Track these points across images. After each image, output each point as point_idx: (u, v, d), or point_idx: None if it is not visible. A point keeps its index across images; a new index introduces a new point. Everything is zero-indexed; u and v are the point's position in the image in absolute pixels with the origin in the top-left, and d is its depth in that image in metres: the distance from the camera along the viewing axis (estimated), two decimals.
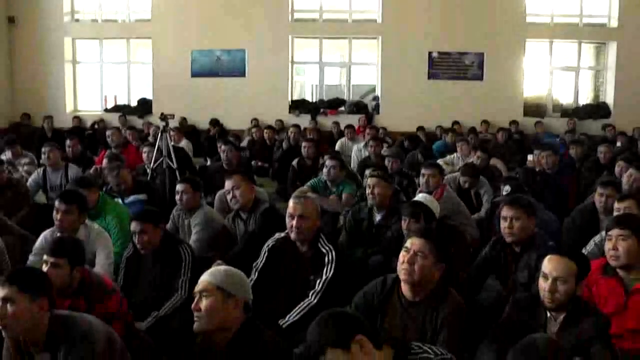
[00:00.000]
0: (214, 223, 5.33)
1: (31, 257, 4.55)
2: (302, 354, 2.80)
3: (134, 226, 4.21)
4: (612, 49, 14.56)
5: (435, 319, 3.02)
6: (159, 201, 6.24)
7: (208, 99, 14.57)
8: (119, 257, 4.56)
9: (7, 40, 14.97)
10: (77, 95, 15.78)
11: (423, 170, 6.16)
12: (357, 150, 9.80)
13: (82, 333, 2.71)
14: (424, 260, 3.03)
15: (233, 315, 2.71)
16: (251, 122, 13.63)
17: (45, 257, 3.37)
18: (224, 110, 14.36)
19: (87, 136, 13.23)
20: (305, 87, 18.01)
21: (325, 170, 6.77)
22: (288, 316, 3.79)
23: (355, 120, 13.62)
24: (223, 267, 2.94)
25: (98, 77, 15.84)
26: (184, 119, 13.97)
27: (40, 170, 7.25)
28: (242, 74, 14.81)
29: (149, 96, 15.23)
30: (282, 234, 4.17)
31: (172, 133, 8.76)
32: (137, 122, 14.50)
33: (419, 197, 5.00)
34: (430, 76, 14.56)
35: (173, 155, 7.71)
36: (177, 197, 5.37)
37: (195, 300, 2.73)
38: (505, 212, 4.08)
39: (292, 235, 4.04)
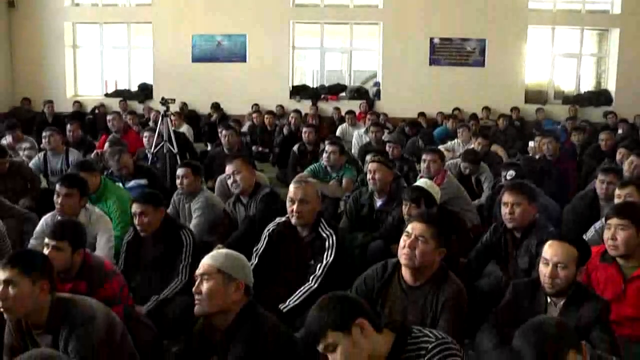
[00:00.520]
0: (214, 207, 5.34)
1: (32, 241, 4.56)
2: (303, 337, 2.81)
3: (134, 208, 4.21)
4: (614, 36, 14.49)
5: (435, 303, 3.03)
6: (160, 186, 6.24)
7: (209, 84, 14.54)
8: (119, 241, 4.57)
9: (7, 24, 14.92)
10: (77, 80, 15.76)
11: (424, 156, 6.15)
12: (358, 136, 9.79)
13: (84, 316, 2.72)
14: (425, 245, 3.02)
15: (234, 299, 2.70)
16: (252, 108, 13.60)
17: (46, 240, 3.37)
18: (225, 95, 14.32)
19: (88, 121, 13.22)
20: (306, 72, 17.98)
21: (325, 155, 6.77)
22: (288, 300, 3.79)
23: (356, 106, 13.58)
24: (224, 251, 2.93)
25: (98, 61, 15.81)
26: (184, 104, 13.95)
27: (41, 154, 7.25)
28: (242, 59, 14.78)
29: (150, 81, 15.21)
30: (283, 219, 4.17)
31: (172, 118, 8.75)
32: (138, 107, 14.50)
33: (420, 182, 4.99)
34: (432, 62, 14.53)
35: (174, 140, 7.71)
36: (178, 181, 5.38)
37: (197, 283, 2.73)
38: (506, 197, 4.08)
39: (293, 220, 4.05)
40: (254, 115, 12.23)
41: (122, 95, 15.05)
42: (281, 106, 14.12)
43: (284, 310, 3.74)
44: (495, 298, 3.41)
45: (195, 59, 14.83)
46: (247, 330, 2.65)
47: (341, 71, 16.25)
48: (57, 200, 4.40)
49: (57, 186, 4.44)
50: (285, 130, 10.67)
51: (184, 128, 10.43)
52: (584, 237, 4.27)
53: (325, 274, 3.86)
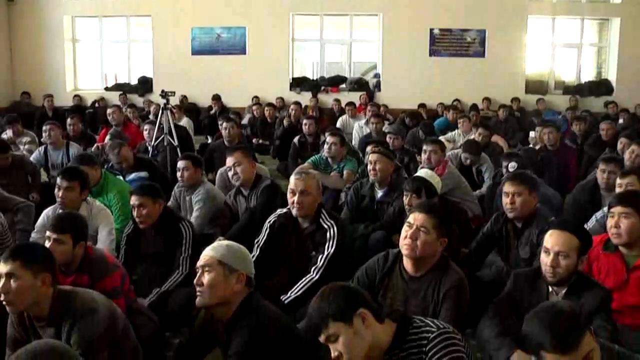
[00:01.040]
0: (215, 200, 5.35)
1: (33, 235, 4.57)
2: (304, 328, 2.81)
3: (132, 200, 4.21)
4: (615, 26, 14.46)
5: (437, 293, 3.03)
6: (161, 178, 6.24)
7: (208, 76, 14.53)
8: (120, 234, 4.57)
9: (7, 18, 14.91)
10: (77, 74, 15.76)
11: (425, 147, 6.15)
12: (359, 128, 9.78)
13: (86, 308, 2.72)
14: (426, 235, 3.01)
15: (235, 290, 2.70)
16: (252, 100, 13.60)
17: (47, 233, 3.37)
18: (225, 88, 14.30)
19: (88, 115, 13.21)
20: (306, 64, 17.95)
21: (326, 147, 6.75)
22: (290, 292, 3.80)
23: (356, 97, 13.58)
24: (225, 242, 2.92)
25: (98, 55, 15.81)
26: (184, 97, 13.94)
27: (42, 148, 7.26)
28: (242, 51, 14.77)
29: (150, 74, 15.21)
30: (284, 210, 4.17)
31: (173, 110, 8.74)
32: (138, 100, 14.50)
33: (421, 172, 4.98)
34: (432, 53, 14.51)
35: (174, 132, 7.71)
36: (179, 173, 5.39)
37: (198, 275, 2.73)
38: (507, 187, 4.08)
39: (294, 211, 4.05)
40: (254, 107, 12.23)
41: (122, 88, 15.07)
42: (281, 98, 14.11)
43: (286, 301, 3.74)
44: (496, 288, 3.40)
45: (195, 52, 14.84)
46: (249, 322, 2.64)
47: (341, 63, 16.24)
48: (58, 193, 4.40)
49: (58, 179, 4.44)
50: (285, 123, 10.66)
51: (184, 121, 10.42)
52: (585, 226, 4.27)
53: (326, 265, 3.86)
